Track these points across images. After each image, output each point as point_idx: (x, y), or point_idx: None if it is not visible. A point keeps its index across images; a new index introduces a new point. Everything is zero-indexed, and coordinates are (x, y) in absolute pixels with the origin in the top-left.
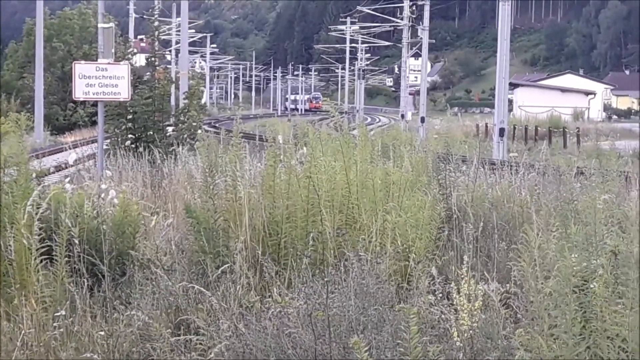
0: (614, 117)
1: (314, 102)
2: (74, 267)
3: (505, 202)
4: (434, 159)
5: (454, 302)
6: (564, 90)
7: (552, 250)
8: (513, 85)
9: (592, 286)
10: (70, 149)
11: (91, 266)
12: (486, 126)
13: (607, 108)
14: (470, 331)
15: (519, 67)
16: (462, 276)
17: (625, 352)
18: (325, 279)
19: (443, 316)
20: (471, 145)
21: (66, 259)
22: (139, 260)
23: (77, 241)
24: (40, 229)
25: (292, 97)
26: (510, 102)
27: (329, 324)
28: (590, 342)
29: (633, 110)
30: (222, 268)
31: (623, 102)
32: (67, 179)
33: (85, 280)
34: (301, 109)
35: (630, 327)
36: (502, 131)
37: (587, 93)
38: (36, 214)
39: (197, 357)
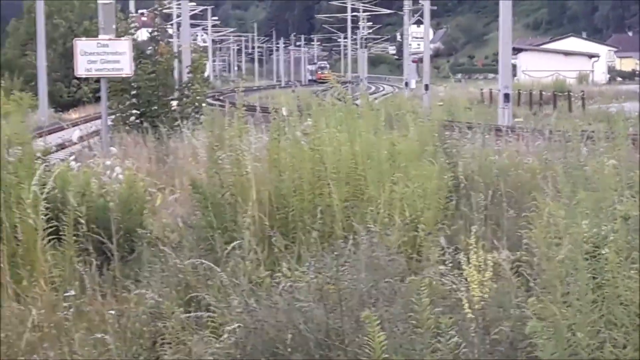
0: (618, 79)
1: (320, 72)
2: (82, 246)
3: (514, 169)
4: (439, 127)
5: (464, 272)
6: (567, 53)
7: (562, 217)
8: (516, 50)
9: (603, 252)
10: (74, 126)
11: (99, 244)
12: (490, 92)
13: (611, 70)
14: (482, 302)
15: (521, 32)
16: (472, 246)
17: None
18: (335, 253)
19: (454, 286)
20: (476, 112)
21: (74, 237)
22: (147, 238)
23: (83, 220)
24: (46, 208)
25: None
26: (514, 67)
27: (340, 298)
28: (603, 309)
29: (637, 72)
30: (232, 245)
31: (627, 64)
32: (72, 157)
33: (94, 259)
34: (304, 80)
35: None
36: (506, 96)
37: (590, 56)
38: (42, 193)
39: (209, 334)
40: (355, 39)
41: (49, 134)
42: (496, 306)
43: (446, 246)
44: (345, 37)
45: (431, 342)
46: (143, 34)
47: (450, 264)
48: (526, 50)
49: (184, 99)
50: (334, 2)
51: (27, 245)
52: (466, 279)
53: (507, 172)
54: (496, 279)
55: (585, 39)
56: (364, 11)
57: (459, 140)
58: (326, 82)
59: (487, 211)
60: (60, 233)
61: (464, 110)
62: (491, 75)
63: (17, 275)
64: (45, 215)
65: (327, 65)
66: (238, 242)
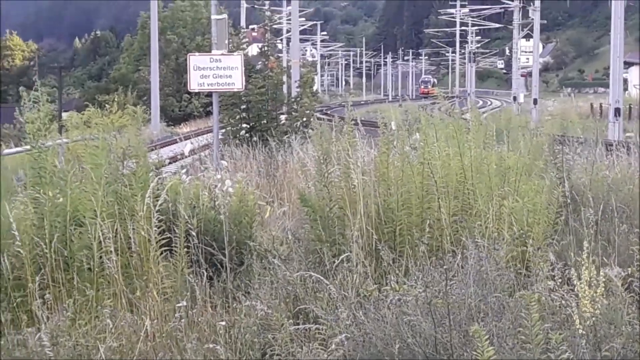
0: None
1: (423, 86)
2: (193, 258)
3: (625, 184)
4: (549, 141)
5: (575, 288)
6: None
7: None
8: (628, 64)
9: None
10: (185, 139)
11: (210, 256)
12: (600, 106)
13: None
14: (593, 318)
15: (633, 46)
16: (583, 262)
17: None
18: (444, 267)
19: (564, 302)
20: (586, 127)
21: (185, 249)
22: (257, 250)
23: (194, 232)
24: (159, 220)
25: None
26: (625, 81)
27: (448, 311)
28: None
29: None
30: (341, 258)
31: None
32: (184, 170)
33: (205, 271)
34: (412, 94)
35: None
36: (617, 111)
37: None
38: (154, 205)
39: (317, 346)
40: (463, 53)
41: (162, 147)
42: (607, 322)
43: (555, 261)
44: (454, 52)
45: (541, 358)
46: (253, 49)
47: (559, 280)
48: (638, 64)
49: (293, 113)
50: (442, 17)
51: (140, 257)
52: (576, 295)
53: (619, 187)
54: (607, 295)
55: None
56: (473, 25)
57: (570, 154)
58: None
59: (598, 227)
60: (172, 245)
61: (573, 125)
62: (601, 90)
63: (131, 286)
64: (158, 227)
65: (431, 80)
66: (346, 255)
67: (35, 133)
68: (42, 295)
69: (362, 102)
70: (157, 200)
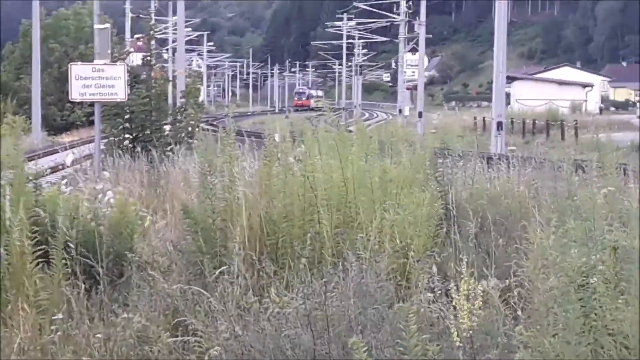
0: (612, 108)
1: (297, 98)
2: (71, 270)
3: (504, 197)
4: (431, 155)
5: (454, 301)
6: (561, 83)
7: (551, 247)
8: (510, 79)
9: (592, 282)
10: (67, 149)
11: (88, 268)
12: (484, 120)
13: (604, 100)
14: (470, 330)
15: (516, 61)
16: (462, 274)
17: (627, 349)
18: (324, 279)
19: (442, 314)
20: (469, 140)
21: (63, 261)
22: (137, 262)
23: (73, 244)
24: (35, 232)
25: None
26: (508, 95)
27: (327, 324)
28: (591, 339)
29: (631, 102)
30: (221, 269)
31: (620, 94)
32: (64, 181)
33: (82, 283)
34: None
35: (631, 323)
36: (499, 125)
37: (584, 85)
38: (31, 217)
39: (195, 359)
40: (350, 66)
41: (42, 156)
42: (484, 334)
43: (435, 274)
44: (340, 64)
45: None
46: (138, 59)
47: (439, 292)
48: (520, 79)
49: (177, 124)
50: (329, 30)
51: (15, 269)
52: (455, 307)
53: (498, 200)
54: (484, 307)
55: (580, 69)
56: (360, 38)
57: (451, 168)
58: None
59: (477, 239)
60: (50, 257)
61: (457, 138)
62: (485, 103)
63: (4, 299)
64: (34, 239)
65: (307, 91)
66: (227, 267)
67: None
68: None
69: (249, 114)
70: (34, 212)
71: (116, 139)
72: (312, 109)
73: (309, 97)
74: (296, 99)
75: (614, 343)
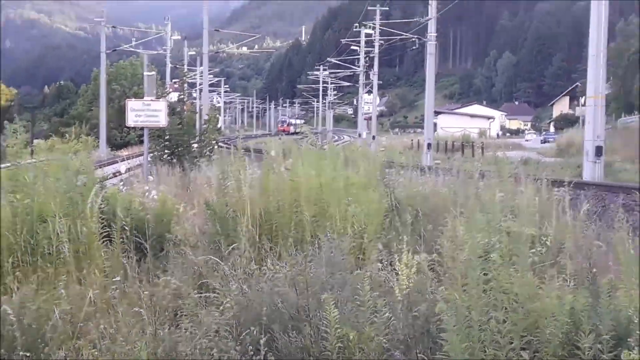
0: (507, 134)
1: (280, 125)
2: (127, 246)
3: (431, 196)
4: (381, 166)
5: (396, 269)
6: (472, 115)
7: (463, 231)
8: (437, 113)
9: (492, 256)
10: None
11: (139, 245)
12: (418, 142)
13: (502, 128)
14: (407, 289)
15: (441, 100)
16: (402, 250)
17: (516, 302)
18: (305, 253)
19: (388, 278)
20: (407, 156)
21: (120, 240)
22: (173, 241)
23: (127, 227)
24: (102, 219)
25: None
26: (435, 124)
27: (307, 285)
28: (490, 296)
29: (520, 130)
30: (232, 246)
31: (514, 124)
32: (122, 183)
33: (134, 256)
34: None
35: (519, 285)
36: (429, 145)
37: (488, 117)
38: (98, 208)
39: (214, 309)
40: (324, 102)
41: (106, 165)
42: (417, 292)
43: (383, 250)
44: (318, 101)
45: (370, 317)
46: (175, 97)
47: (385, 263)
48: (443, 112)
49: (202, 143)
50: (311, 77)
51: (87, 245)
52: (397, 273)
53: (427, 198)
54: (417, 273)
55: (485, 106)
56: (332, 83)
57: (395, 175)
58: (287, 133)
59: (413, 226)
60: (111, 237)
61: (399, 155)
62: (419, 130)
63: (79, 266)
64: (101, 224)
65: (287, 120)
66: (236, 244)
67: (13, 154)
68: (14, 272)
69: (253, 136)
70: (101, 205)
71: (158, 154)
72: (292, 133)
73: (288, 124)
74: (279, 125)
75: (507, 298)
